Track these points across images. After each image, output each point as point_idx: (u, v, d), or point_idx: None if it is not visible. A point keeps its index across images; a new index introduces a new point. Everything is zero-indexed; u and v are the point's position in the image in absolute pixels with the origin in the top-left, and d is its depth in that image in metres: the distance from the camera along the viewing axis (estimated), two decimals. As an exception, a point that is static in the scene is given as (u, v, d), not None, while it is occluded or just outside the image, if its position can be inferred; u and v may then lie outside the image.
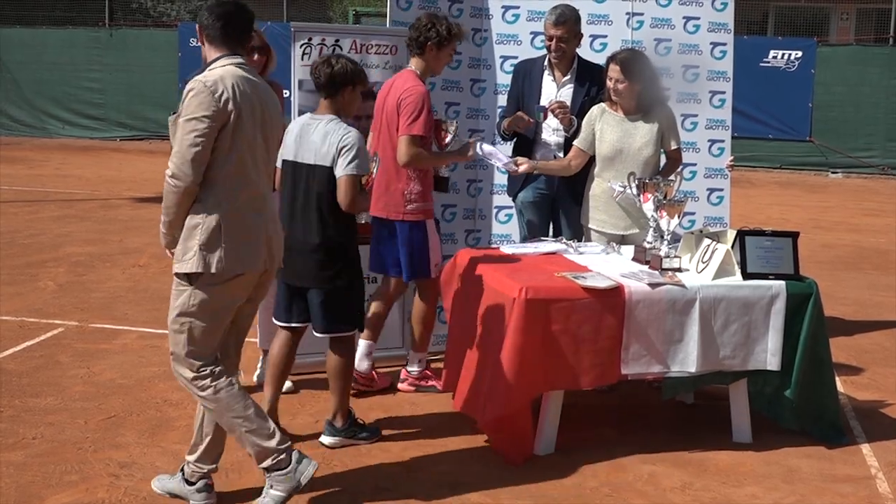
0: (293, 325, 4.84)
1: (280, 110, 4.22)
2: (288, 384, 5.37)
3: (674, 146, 5.65)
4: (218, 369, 3.96)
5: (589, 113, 5.68)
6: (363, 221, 5.19)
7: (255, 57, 5.34)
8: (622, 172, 5.40)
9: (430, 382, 5.66)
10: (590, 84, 5.82)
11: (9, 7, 22.01)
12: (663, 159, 5.75)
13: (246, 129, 3.85)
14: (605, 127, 5.60)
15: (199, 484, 4.11)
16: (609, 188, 5.48)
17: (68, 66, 19.30)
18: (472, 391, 4.88)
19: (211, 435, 4.10)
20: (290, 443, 4.07)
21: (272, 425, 4.04)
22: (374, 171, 4.80)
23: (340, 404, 4.80)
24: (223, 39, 3.93)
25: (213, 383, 3.93)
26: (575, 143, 5.68)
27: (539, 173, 5.79)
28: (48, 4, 21.96)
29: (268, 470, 4.01)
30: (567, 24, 5.71)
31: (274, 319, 4.93)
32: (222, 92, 3.78)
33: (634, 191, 5.21)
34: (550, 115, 5.71)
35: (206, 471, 4.13)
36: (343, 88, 4.68)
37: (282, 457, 3.99)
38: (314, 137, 4.64)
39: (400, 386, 5.69)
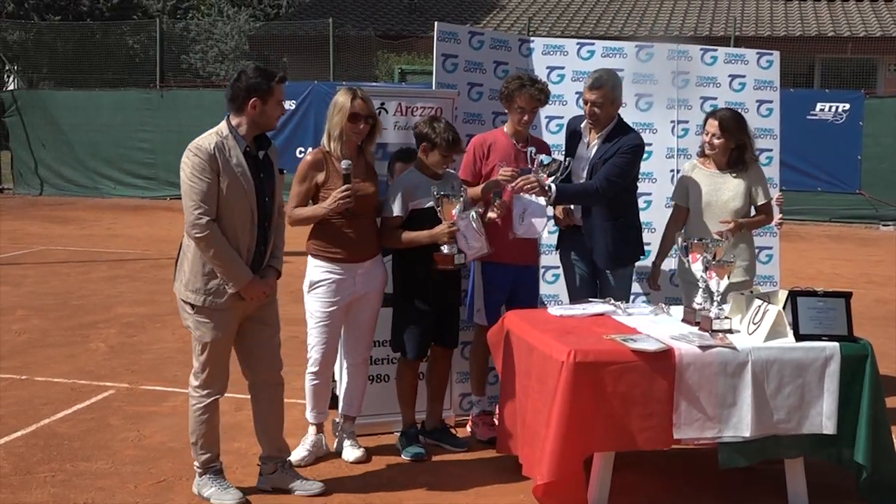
0: None
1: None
2: (359, 453, 5.46)
3: (762, 200, 5.84)
4: None
5: (682, 169, 5.98)
6: (446, 252, 5.23)
7: (361, 126, 5.23)
8: (713, 223, 5.63)
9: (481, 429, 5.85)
10: (615, 143, 5.65)
11: (64, 71, 22.65)
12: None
13: None
14: (695, 181, 5.84)
15: None
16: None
17: (120, 128, 19.69)
18: (528, 456, 4.84)
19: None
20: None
21: None
22: (457, 210, 5.21)
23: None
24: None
25: None
26: (675, 201, 5.94)
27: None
28: (101, 67, 22.55)
29: None
30: (603, 89, 5.61)
31: None
32: None
33: (683, 251, 5.22)
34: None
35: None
36: (419, 145, 5.45)
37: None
38: None
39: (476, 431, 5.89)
